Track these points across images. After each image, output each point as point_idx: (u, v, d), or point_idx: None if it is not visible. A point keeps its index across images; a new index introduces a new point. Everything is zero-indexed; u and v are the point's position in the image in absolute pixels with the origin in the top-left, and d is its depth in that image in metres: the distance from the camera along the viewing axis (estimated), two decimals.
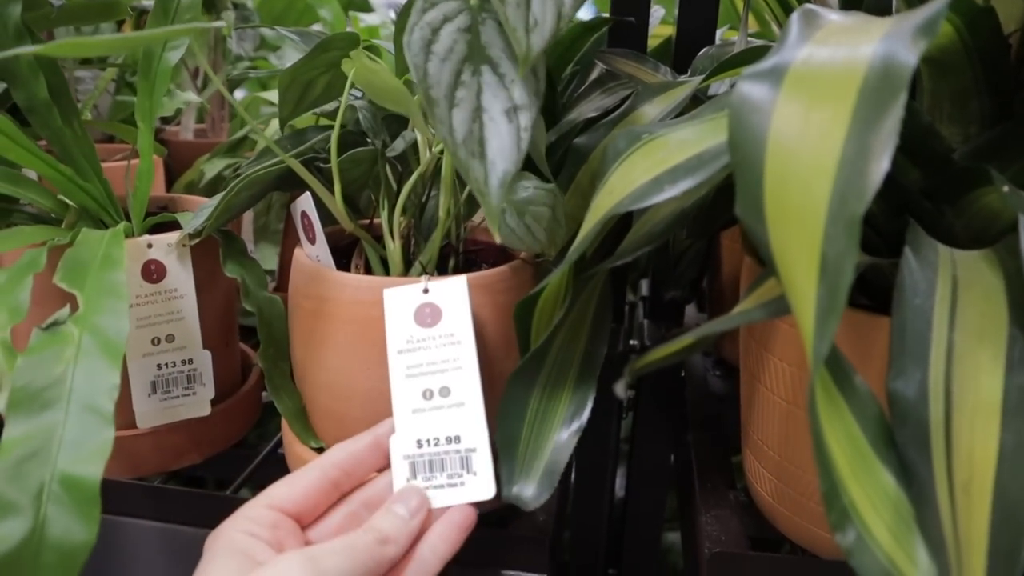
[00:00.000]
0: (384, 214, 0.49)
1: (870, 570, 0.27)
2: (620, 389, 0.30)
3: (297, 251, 0.51)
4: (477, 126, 0.37)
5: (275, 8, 1.30)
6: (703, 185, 0.35)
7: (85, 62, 1.03)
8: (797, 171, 0.27)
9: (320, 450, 0.52)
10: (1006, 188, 0.32)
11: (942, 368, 0.29)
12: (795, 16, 0.33)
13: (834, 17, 0.33)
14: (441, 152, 0.47)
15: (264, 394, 0.64)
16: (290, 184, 0.52)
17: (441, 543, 0.41)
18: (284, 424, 0.53)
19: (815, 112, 0.28)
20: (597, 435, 0.71)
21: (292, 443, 0.52)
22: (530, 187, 0.44)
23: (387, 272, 0.50)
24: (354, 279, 0.46)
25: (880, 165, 0.25)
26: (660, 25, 0.89)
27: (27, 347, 0.36)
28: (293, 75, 0.51)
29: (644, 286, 0.80)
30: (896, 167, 0.40)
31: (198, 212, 0.52)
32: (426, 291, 0.44)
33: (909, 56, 0.27)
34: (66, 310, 0.38)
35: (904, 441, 0.28)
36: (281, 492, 0.41)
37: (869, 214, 0.42)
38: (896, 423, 0.29)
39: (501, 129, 0.37)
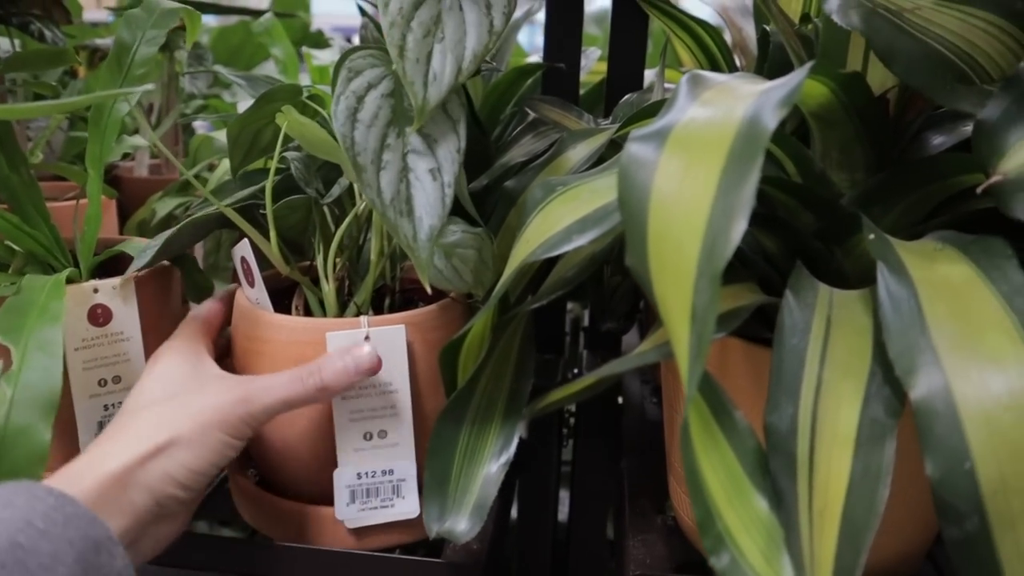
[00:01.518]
0: (319, 257, 0.51)
1: None
2: (522, 428, 0.33)
3: (238, 294, 0.53)
4: (404, 186, 0.40)
5: (229, 45, 1.33)
6: (609, 234, 0.38)
7: (38, 96, 1.05)
8: (674, 229, 0.30)
9: (260, 482, 0.54)
10: (872, 236, 0.35)
11: (811, 402, 0.32)
12: (683, 80, 0.36)
13: (720, 80, 0.37)
14: None
15: None
16: (234, 225, 0.54)
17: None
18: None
19: (690, 171, 0.31)
20: (539, 462, 0.74)
21: (234, 474, 0.54)
22: (458, 231, 0.47)
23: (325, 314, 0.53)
24: (291, 321, 0.48)
25: (739, 224, 0.28)
26: (599, 62, 0.93)
27: None
28: (241, 125, 0.54)
29: (585, 317, 0.83)
30: (791, 211, 0.44)
31: (142, 251, 0.54)
32: (367, 337, 0.47)
33: (770, 121, 0.30)
34: None
35: (776, 470, 0.31)
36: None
37: (769, 255, 0.46)
38: (770, 453, 0.32)
39: (427, 187, 0.40)
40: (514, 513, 0.80)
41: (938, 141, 0.45)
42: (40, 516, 0.34)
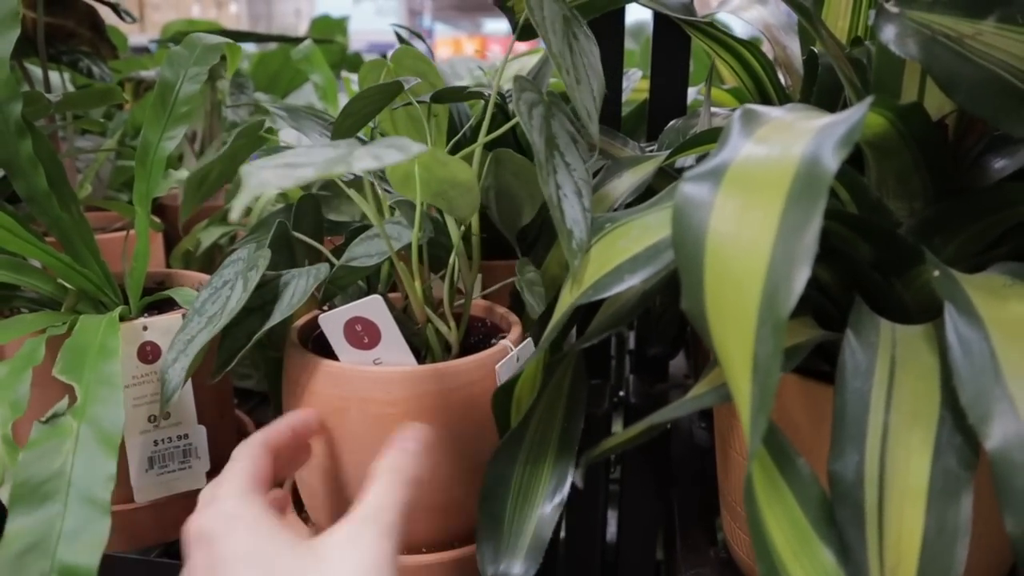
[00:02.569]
0: (447, 299, 0.52)
1: None
2: (577, 478, 0.32)
3: (326, 368, 0.49)
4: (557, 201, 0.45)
5: (269, 71, 1.35)
6: (660, 272, 0.38)
7: (85, 131, 1.07)
8: (732, 274, 0.29)
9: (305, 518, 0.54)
10: (936, 272, 0.34)
11: (877, 450, 0.31)
12: (736, 115, 0.36)
13: (774, 115, 0.36)
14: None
15: None
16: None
17: None
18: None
19: (748, 213, 0.30)
20: (586, 491, 0.73)
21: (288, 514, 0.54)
22: (531, 270, 0.49)
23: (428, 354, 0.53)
24: (461, 363, 0.48)
25: (803, 271, 0.27)
26: (642, 80, 0.92)
27: (28, 441, 0.38)
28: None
29: (631, 339, 0.82)
30: (846, 241, 0.42)
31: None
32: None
33: (832, 162, 0.29)
34: (64, 402, 0.41)
35: (843, 521, 0.30)
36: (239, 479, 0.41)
37: (824, 286, 0.45)
38: (836, 503, 0.30)
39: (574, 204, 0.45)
40: (562, 534, 0.79)
41: (1000, 165, 0.43)
42: None
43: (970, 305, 0.32)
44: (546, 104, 0.47)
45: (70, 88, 1.08)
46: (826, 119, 0.32)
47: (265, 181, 0.28)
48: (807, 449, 0.34)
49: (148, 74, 1.05)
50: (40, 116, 0.60)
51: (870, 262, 0.42)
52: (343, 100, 1.20)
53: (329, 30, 1.50)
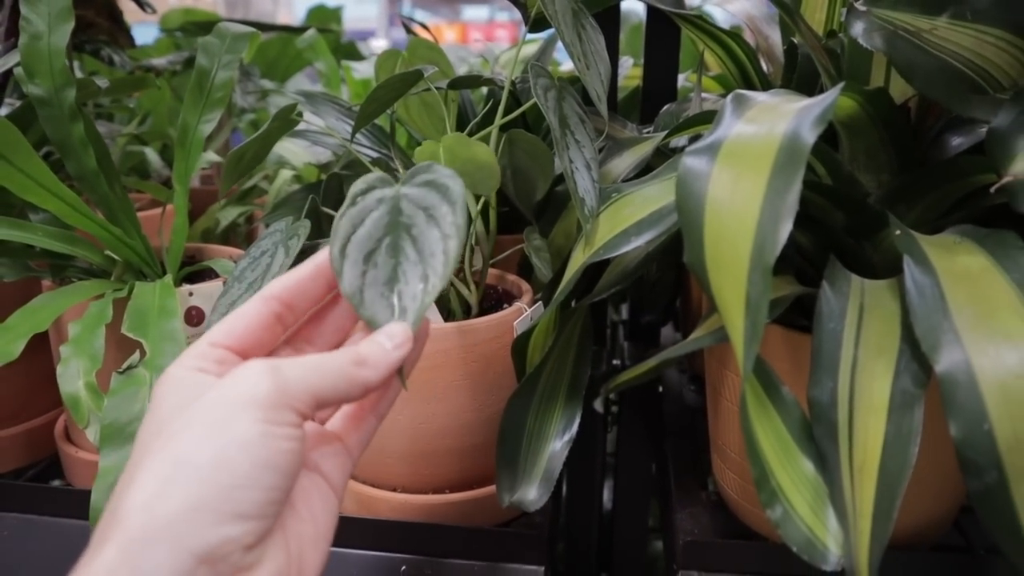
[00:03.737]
0: (467, 265, 0.57)
1: (794, 537, 0.34)
2: (598, 404, 0.38)
3: None
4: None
5: (267, 58, 1.39)
6: (662, 235, 0.44)
7: (100, 116, 1.11)
8: (728, 231, 0.35)
9: None
10: (898, 232, 0.40)
11: (848, 378, 0.37)
12: (728, 99, 0.41)
13: (760, 98, 0.42)
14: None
15: None
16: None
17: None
18: None
19: (741, 181, 0.36)
20: (585, 449, 0.79)
21: None
22: (537, 238, 0.54)
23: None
24: (481, 322, 0.54)
25: (786, 226, 0.33)
26: (633, 68, 0.98)
27: (110, 389, 0.44)
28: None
29: (624, 310, 0.88)
30: (823, 210, 0.49)
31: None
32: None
33: (809, 137, 0.35)
34: (136, 356, 0.46)
35: (819, 436, 0.36)
36: (223, 329, 0.36)
37: (803, 250, 0.51)
38: (814, 422, 0.37)
39: (584, 176, 0.50)
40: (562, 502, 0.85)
41: (957, 142, 0.50)
42: None
43: (924, 257, 0.38)
44: (557, 88, 0.52)
45: (79, 74, 1.13)
46: (804, 102, 0.38)
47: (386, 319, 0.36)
48: (793, 386, 0.40)
49: (159, 61, 1.09)
50: (88, 100, 0.65)
51: (843, 227, 0.48)
52: (343, 87, 1.25)
53: (325, 18, 1.54)
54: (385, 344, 0.35)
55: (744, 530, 0.56)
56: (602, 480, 0.94)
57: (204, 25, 1.21)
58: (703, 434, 0.67)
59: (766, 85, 0.69)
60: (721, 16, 1.23)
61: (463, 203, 0.36)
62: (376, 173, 0.38)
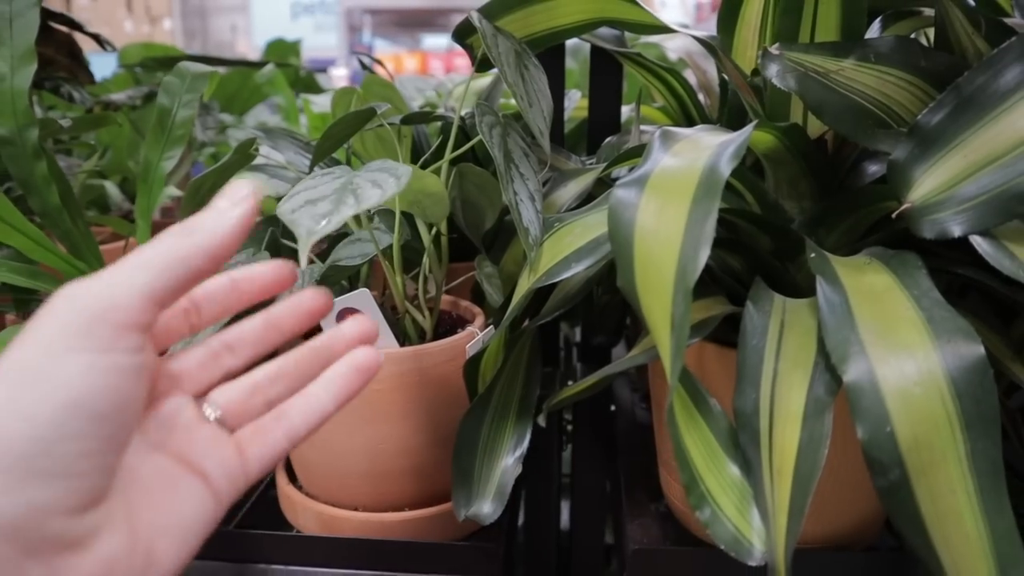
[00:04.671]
0: (421, 292, 0.60)
1: (722, 536, 0.38)
2: (541, 420, 0.41)
3: None
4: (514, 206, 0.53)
5: (227, 92, 1.41)
6: (600, 261, 0.47)
7: (59, 151, 1.13)
8: (654, 257, 0.38)
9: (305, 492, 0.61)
10: (813, 254, 0.44)
11: (769, 389, 0.40)
12: (656, 134, 0.45)
13: (686, 134, 0.45)
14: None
15: None
16: None
17: (337, 381, 0.35)
18: (279, 466, 0.62)
19: (665, 210, 0.39)
20: (541, 469, 0.81)
21: (283, 485, 0.62)
22: (489, 265, 0.57)
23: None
24: (436, 346, 0.56)
25: (704, 253, 0.36)
26: (582, 99, 1.02)
27: None
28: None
29: (578, 333, 0.91)
30: (751, 235, 0.52)
31: None
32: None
33: (725, 170, 0.39)
34: None
35: (744, 443, 0.39)
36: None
37: (735, 272, 0.55)
38: (739, 430, 0.40)
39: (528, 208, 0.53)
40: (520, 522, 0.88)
41: (873, 170, 0.54)
42: None
43: (836, 277, 0.42)
44: (502, 124, 0.55)
45: (37, 110, 1.14)
46: (724, 137, 0.42)
47: (313, 228, 0.36)
48: (723, 399, 0.43)
49: (118, 97, 1.11)
50: (50, 138, 0.67)
51: (770, 251, 0.52)
52: (302, 119, 1.28)
53: (284, 52, 1.57)
54: (220, 204, 0.31)
55: (691, 538, 0.59)
56: (559, 500, 0.97)
57: (163, 60, 1.23)
58: (653, 450, 0.70)
59: (703, 117, 0.73)
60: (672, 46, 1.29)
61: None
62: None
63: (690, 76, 0.83)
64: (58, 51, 0.94)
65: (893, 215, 0.42)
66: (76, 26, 0.88)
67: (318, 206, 0.38)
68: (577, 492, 0.83)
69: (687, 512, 0.57)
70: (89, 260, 0.63)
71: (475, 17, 0.54)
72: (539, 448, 0.73)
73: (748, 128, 0.40)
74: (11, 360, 0.26)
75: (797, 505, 0.35)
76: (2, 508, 0.24)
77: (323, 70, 1.63)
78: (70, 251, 0.63)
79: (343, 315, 0.56)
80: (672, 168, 0.41)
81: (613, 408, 0.85)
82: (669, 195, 0.40)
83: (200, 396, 0.33)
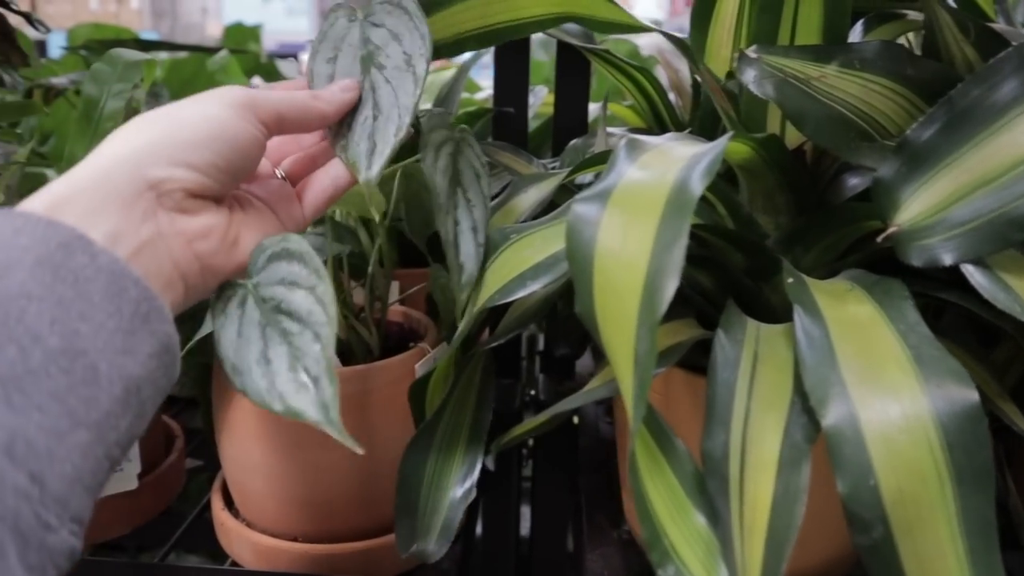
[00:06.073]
0: (368, 305, 0.55)
1: None
2: (489, 462, 0.37)
3: None
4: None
5: (181, 77, 1.34)
6: (558, 279, 0.43)
7: None
8: (616, 284, 0.34)
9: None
10: (791, 280, 0.40)
11: (740, 430, 0.36)
12: (622, 143, 0.41)
13: (654, 143, 0.41)
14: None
15: (188, 460, 0.68)
16: None
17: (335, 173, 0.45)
18: (215, 489, 0.58)
19: (630, 230, 0.35)
20: (500, 483, 0.77)
21: (218, 510, 0.57)
22: (443, 276, 0.53)
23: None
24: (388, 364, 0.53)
25: (672, 282, 0.32)
26: (549, 95, 0.98)
27: None
28: None
29: (540, 341, 0.87)
30: (723, 252, 0.48)
31: None
32: None
33: (697, 188, 0.34)
34: None
35: (712, 491, 0.35)
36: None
37: (705, 291, 0.51)
38: (707, 476, 0.36)
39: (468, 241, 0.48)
40: (478, 530, 0.84)
41: (853, 183, 0.50)
42: None
43: (815, 306, 0.38)
44: (455, 141, 0.50)
45: None
46: (695, 149, 0.38)
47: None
48: (690, 432, 0.39)
49: (59, 81, 1.04)
50: None
51: (743, 270, 0.48)
52: None
53: (243, 38, 1.50)
54: (334, 89, 0.45)
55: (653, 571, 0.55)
56: (518, 510, 0.93)
57: (111, 44, 1.16)
58: (615, 467, 0.66)
59: (674, 118, 0.69)
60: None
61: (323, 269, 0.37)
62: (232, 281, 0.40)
63: (661, 73, 0.79)
64: None
65: (878, 239, 0.39)
66: (3, 3, 0.81)
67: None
68: (538, 508, 0.79)
69: None
70: None
71: None
72: (498, 463, 0.70)
73: (722, 140, 0.36)
74: (188, 101, 0.39)
75: (771, 567, 0.31)
76: (157, 172, 0.35)
77: (294, 55, 1.57)
78: None
79: None
80: (638, 182, 0.37)
81: (576, 421, 0.82)
82: (634, 213, 0.35)
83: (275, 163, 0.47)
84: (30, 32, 1.07)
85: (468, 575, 0.67)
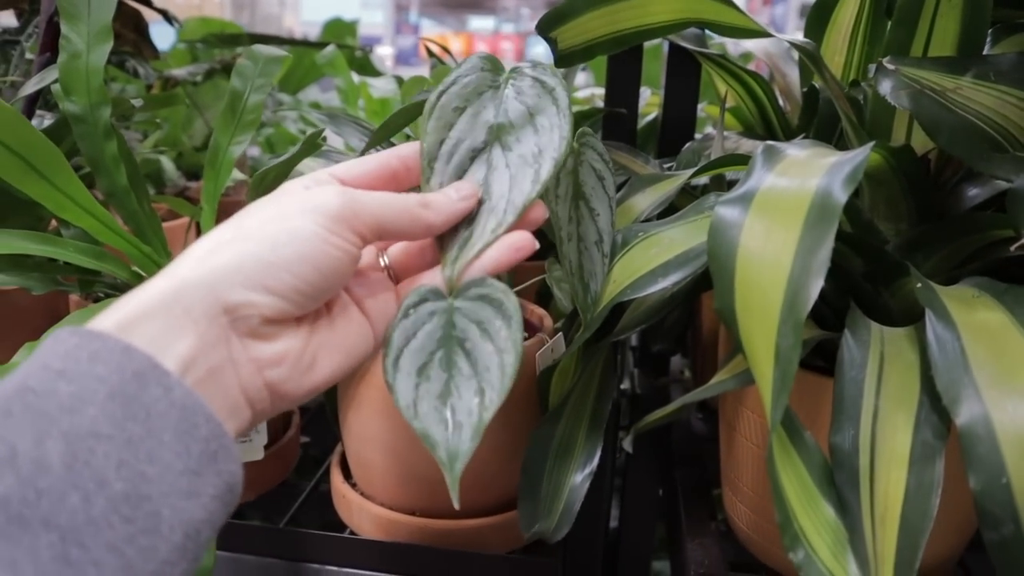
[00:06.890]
0: None
1: None
2: (627, 444, 0.39)
3: None
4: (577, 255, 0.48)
5: (282, 70, 1.40)
6: (687, 277, 0.45)
7: (122, 126, 1.13)
8: (759, 281, 0.36)
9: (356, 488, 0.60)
10: (919, 284, 0.41)
11: (869, 426, 0.38)
12: (758, 151, 0.43)
13: (790, 151, 0.43)
14: None
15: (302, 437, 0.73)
16: None
17: (494, 255, 0.41)
18: (333, 463, 0.61)
19: (773, 233, 0.37)
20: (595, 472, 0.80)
21: (339, 484, 0.61)
22: (558, 269, 0.55)
23: None
24: None
25: (817, 282, 0.34)
26: (651, 96, 1.00)
27: None
28: None
29: (634, 337, 0.89)
30: (843, 256, 0.50)
31: None
32: None
33: (841, 196, 0.36)
34: None
35: (840, 482, 0.37)
36: (345, 166, 0.41)
37: (822, 293, 0.52)
38: (835, 468, 0.38)
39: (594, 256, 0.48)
40: None
41: (973, 193, 0.51)
42: (58, 357, 0.29)
43: (946, 312, 0.39)
44: (575, 153, 0.49)
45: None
46: (835, 157, 0.39)
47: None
48: (809, 427, 0.41)
49: (178, 73, 1.10)
50: (119, 116, 0.66)
51: (862, 274, 0.49)
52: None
53: (341, 32, 1.56)
54: (451, 194, 0.41)
55: (753, 562, 0.57)
56: (610, 501, 0.95)
57: (224, 38, 1.22)
58: (712, 464, 0.68)
59: (784, 124, 0.70)
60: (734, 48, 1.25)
61: (519, 318, 0.37)
62: (427, 285, 0.40)
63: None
64: (124, 25, 0.93)
65: (1012, 248, 0.40)
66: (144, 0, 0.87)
67: (431, 383, 0.37)
68: (628, 500, 0.81)
69: (752, 535, 0.55)
70: (154, 243, 0.62)
71: None
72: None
73: (864, 149, 0.38)
74: (278, 212, 0.36)
75: (905, 558, 0.33)
76: (235, 295, 0.33)
77: (369, 48, 1.62)
78: (135, 233, 0.62)
79: None
80: (780, 188, 0.39)
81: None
82: (777, 217, 0.37)
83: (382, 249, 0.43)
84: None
85: (567, 558, 0.70)
